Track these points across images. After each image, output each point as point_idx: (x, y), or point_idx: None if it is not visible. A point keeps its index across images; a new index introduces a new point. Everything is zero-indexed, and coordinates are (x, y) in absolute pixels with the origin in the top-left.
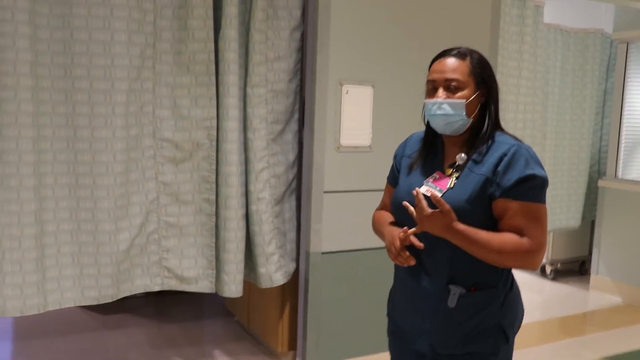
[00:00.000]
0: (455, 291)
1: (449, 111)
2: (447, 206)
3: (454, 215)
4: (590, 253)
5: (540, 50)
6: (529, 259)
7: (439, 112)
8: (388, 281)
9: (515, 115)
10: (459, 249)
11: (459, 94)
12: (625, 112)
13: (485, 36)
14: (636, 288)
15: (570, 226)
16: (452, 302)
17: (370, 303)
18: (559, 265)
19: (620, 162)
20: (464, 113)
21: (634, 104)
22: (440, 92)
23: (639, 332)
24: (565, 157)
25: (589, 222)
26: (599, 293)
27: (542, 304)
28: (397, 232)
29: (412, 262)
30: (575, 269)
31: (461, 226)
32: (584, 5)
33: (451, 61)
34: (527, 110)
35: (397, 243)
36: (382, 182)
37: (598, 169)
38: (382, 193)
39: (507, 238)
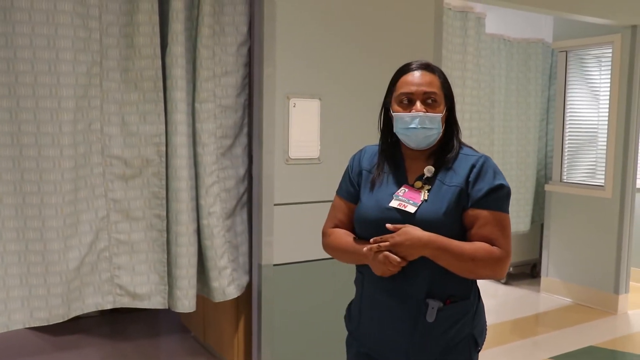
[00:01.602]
0: (434, 305)
1: (429, 125)
2: (395, 236)
3: (418, 232)
4: (540, 256)
5: (483, 60)
6: (499, 266)
7: (419, 125)
8: (340, 291)
9: (461, 124)
10: (436, 263)
11: (437, 107)
12: (567, 118)
13: (429, 47)
14: (584, 287)
15: (520, 230)
16: (430, 316)
17: (324, 313)
18: (511, 269)
19: (565, 166)
20: (440, 126)
21: (574, 109)
22: (419, 105)
23: (587, 330)
24: (513, 162)
25: (539, 226)
26: (549, 294)
27: (495, 307)
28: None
29: (403, 263)
30: (527, 271)
31: (433, 236)
32: (525, 16)
33: (426, 75)
34: (473, 118)
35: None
36: (332, 194)
37: (545, 174)
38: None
39: (479, 246)
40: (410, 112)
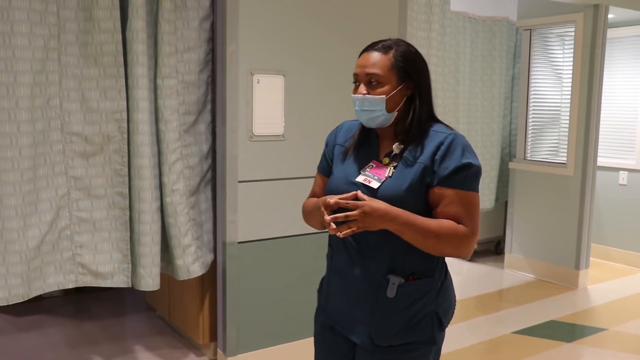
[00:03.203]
0: (395, 281)
1: (369, 107)
2: (365, 205)
3: (385, 205)
4: (504, 233)
5: (448, 38)
6: (463, 245)
7: (360, 108)
8: (306, 268)
9: None
10: (398, 238)
11: (379, 89)
12: (530, 96)
13: (394, 24)
14: (547, 264)
15: (484, 208)
16: (391, 292)
17: (289, 290)
18: (475, 246)
19: (529, 144)
20: (384, 108)
21: (538, 88)
22: (362, 87)
23: (549, 305)
24: (477, 140)
25: (503, 203)
26: (512, 271)
27: (460, 284)
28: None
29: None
30: (491, 249)
31: (398, 211)
32: None
33: (373, 55)
34: (438, 96)
35: (329, 200)
36: (297, 170)
37: (509, 152)
38: (297, 181)
39: (444, 223)
40: (355, 94)
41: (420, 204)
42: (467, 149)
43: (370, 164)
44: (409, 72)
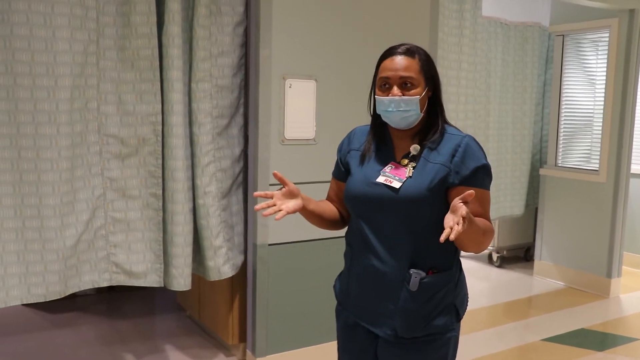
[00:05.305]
0: (417, 275)
1: (405, 107)
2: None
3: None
4: (534, 239)
5: (479, 43)
6: (490, 240)
7: (395, 109)
8: (335, 271)
9: (457, 107)
10: (418, 234)
11: (413, 90)
12: (563, 102)
13: (425, 30)
14: (577, 271)
15: (514, 214)
16: (414, 285)
17: (318, 293)
18: (504, 252)
19: (560, 150)
20: (418, 108)
21: (570, 94)
22: (395, 89)
23: (579, 313)
24: (508, 146)
25: (533, 210)
26: (542, 278)
27: (488, 290)
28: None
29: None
30: (520, 255)
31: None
32: None
33: (403, 59)
34: (469, 101)
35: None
36: (327, 174)
37: (540, 158)
38: (328, 185)
39: (483, 221)
40: (387, 95)
41: (439, 204)
42: (482, 150)
43: (389, 165)
44: (432, 75)
